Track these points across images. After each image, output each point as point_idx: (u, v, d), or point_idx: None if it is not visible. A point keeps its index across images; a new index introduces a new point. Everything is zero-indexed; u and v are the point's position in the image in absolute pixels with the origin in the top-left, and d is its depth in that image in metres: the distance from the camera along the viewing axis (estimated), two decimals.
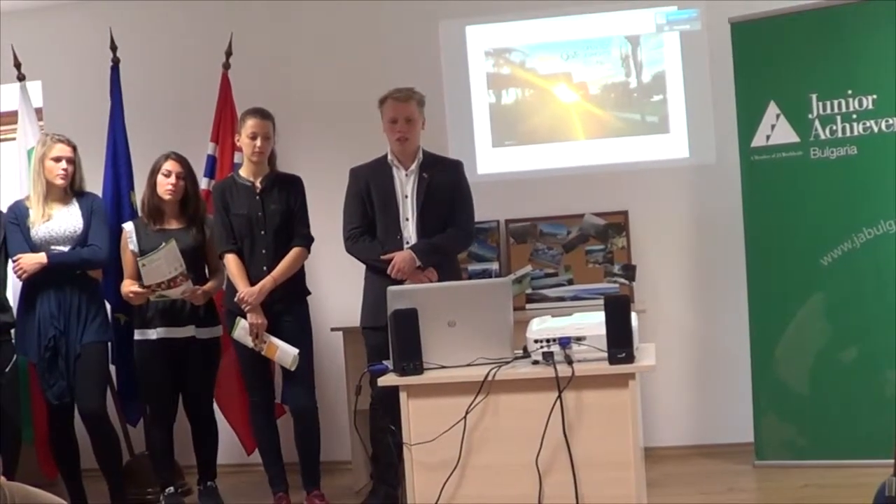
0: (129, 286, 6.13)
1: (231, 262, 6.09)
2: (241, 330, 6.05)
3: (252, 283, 6.03)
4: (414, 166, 5.95)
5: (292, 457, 6.32)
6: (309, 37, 7.45)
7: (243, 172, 6.22)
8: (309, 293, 6.30)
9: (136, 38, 7.34)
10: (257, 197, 6.12)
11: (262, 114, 6.12)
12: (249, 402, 6.33)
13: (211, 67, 7.12)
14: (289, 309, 6.14)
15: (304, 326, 6.23)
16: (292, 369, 6.03)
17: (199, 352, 6.23)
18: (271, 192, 6.15)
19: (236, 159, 6.80)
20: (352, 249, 6.03)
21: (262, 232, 6.10)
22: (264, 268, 6.07)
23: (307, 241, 6.20)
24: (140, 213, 6.36)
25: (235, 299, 6.03)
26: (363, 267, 6.04)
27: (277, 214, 6.12)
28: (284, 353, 6.02)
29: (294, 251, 6.12)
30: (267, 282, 6.03)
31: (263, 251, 6.10)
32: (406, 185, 5.95)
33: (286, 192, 6.17)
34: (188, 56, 7.54)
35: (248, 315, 6.02)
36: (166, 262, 5.91)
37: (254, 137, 6.08)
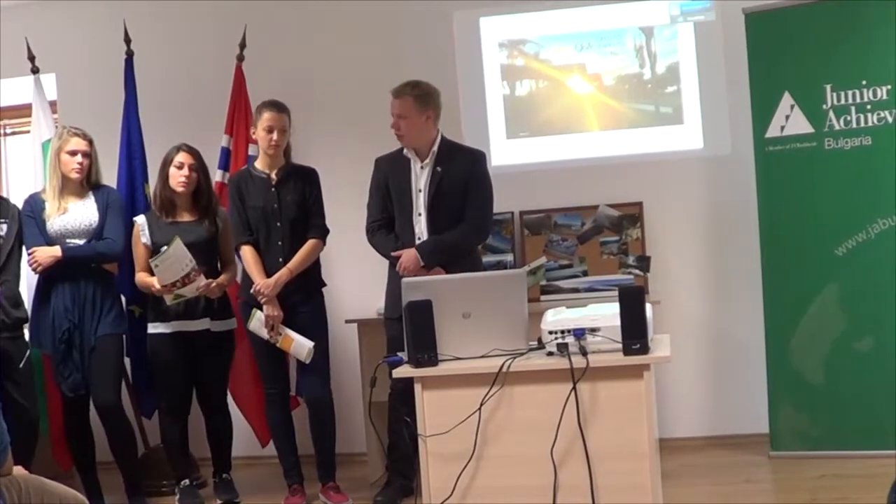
0: (145, 278, 6.14)
1: (247, 253, 6.11)
2: (257, 322, 6.06)
3: (268, 275, 6.06)
4: (429, 159, 5.94)
5: (307, 449, 6.34)
6: (323, 28, 7.45)
7: (259, 165, 6.23)
8: (324, 285, 6.31)
9: (150, 31, 7.34)
10: (273, 189, 6.14)
11: (278, 107, 6.13)
12: (265, 393, 6.35)
13: (225, 60, 7.13)
14: (305, 300, 6.16)
15: (320, 318, 6.25)
16: (307, 362, 6.05)
17: (213, 344, 6.24)
18: (287, 183, 6.16)
19: (251, 151, 6.81)
20: (371, 242, 6.06)
21: (278, 224, 6.11)
22: (280, 259, 6.09)
23: (323, 233, 6.21)
24: (152, 206, 6.35)
25: (252, 291, 6.05)
26: (378, 259, 6.06)
27: (293, 206, 6.13)
28: (300, 345, 6.03)
29: (310, 243, 6.14)
30: (283, 273, 6.05)
31: (279, 243, 6.12)
32: (420, 179, 5.94)
33: (302, 183, 6.19)
34: (202, 48, 7.54)
35: (265, 307, 6.04)
36: (177, 260, 5.91)
37: (270, 130, 6.09)
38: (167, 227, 6.14)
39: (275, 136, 6.09)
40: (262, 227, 6.13)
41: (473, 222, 5.94)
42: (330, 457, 6.30)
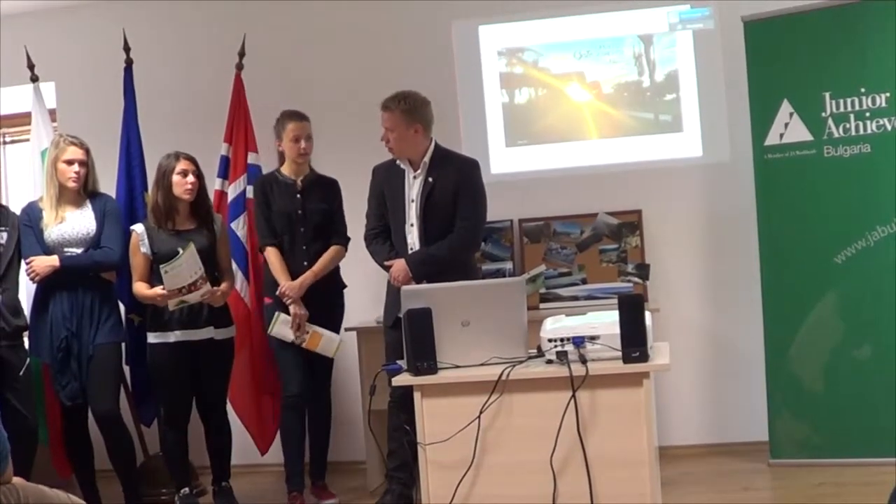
0: (143, 290, 6.12)
1: (273, 255, 6.23)
2: (282, 324, 6.14)
3: (292, 278, 6.16)
4: (421, 169, 5.91)
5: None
6: (322, 37, 7.45)
7: (285, 170, 6.36)
8: (345, 286, 6.48)
9: (150, 39, 7.35)
10: (298, 195, 6.25)
11: (300, 116, 6.29)
12: (283, 398, 6.38)
13: (224, 68, 7.11)
14: (328, 302, 6.34)
15: (340, 321, 6.44)
16: (333, 356, 6.21)
17: (215, 353, 6.22)
18: (311, 191, 6.30)
19: (250, 160, 6.85)
20: (368, 251, 6.07)
21: (302, 229, 6.24)
22: (305, 263, 6.22)
23: (345, 241, 6.36)
24: (149, 216, 6.25)
25: (277, 293, 6.15)
26: (377, 267, 6.05)
27: (317, 213, 6.27)
28: (329, 340, 6.22)
29: (333, 248, 6.30)
30: (308, 276, 6.18)
31: (304, 247, 6.24)
32: (412, 189, 5.92)
33: (325, 192, 6.34)
34: (201, 57, 7.55)
35: (291, 307, 6.14)
36: (187, 267, 5.90)
37: (297, 140, 6.24)
38: (170, 237, 6.12)
39: (303, 144, 6.24)
40: (287, 232, 6.25)
41: (462, 233, 5.87)
42: (323, 457, 6.46)
